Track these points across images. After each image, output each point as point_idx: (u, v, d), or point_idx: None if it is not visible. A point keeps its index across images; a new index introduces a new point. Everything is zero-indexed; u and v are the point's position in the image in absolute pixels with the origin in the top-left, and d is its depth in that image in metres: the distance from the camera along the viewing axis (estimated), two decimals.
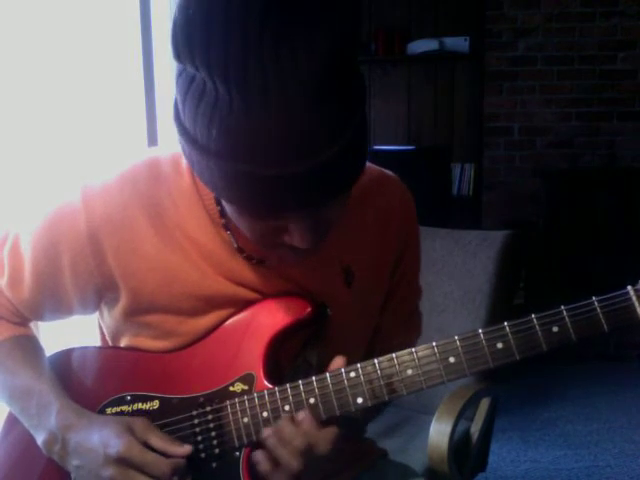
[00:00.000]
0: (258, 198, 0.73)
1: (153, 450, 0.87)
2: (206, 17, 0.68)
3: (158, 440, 0.88)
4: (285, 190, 0.72)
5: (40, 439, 0.92)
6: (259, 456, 0.87)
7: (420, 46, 4.01)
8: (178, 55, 0.72)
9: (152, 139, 2.30)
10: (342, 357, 0.88)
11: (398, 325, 1.13)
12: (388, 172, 1.07)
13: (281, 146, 0.69)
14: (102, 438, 0.87)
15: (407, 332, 1.16)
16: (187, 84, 0.73)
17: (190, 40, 0.69)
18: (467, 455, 1.84)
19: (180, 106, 0.75)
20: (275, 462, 0.86)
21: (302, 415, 0.86)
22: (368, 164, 1.06)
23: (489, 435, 1.98)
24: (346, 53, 0.71)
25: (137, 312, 0.94)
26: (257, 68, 0.66)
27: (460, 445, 1.81)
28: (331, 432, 0.86)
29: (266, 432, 0.86)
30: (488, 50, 4.06)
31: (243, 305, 0.94)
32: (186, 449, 0.88)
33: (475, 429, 1.87)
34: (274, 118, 0.68)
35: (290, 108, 0.68)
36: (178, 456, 0.88)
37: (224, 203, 0.84)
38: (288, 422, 0.86)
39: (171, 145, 0.95)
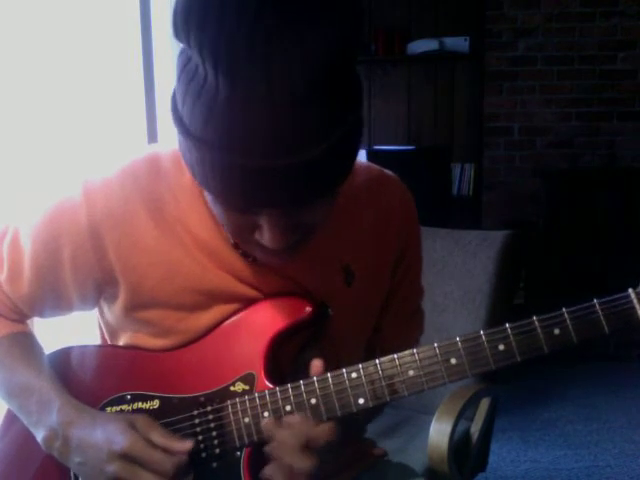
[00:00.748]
0: (228, 187, 0.73)
1: (155, 446, 0.87)
2: None
3: (160, 437, 0.88)
4: (258, 183, 0.71)
5: (40, 436, 0.92)
6: (270, 470, 0.86)
7: (420, 46, 4.01)
8: (176, 32, 0.72)
9: (152, 138, 2.30)
10: (320, 359, 0.88)
11: (400, 325, 1.13)
12: (388, 172, 1.07)
13: (257, 140, 0.68)
14: (106, 434, 0.88)
15: (409, 331, 1.16)
16: (183, 63, 0.73)
17: (187, 19, 0.69)
18: (467, 455, 1.84)
19: (175, 85, 0.76)
20: (287, 470, 0.85)
21: (290, 418, 0.86)
22: (368, 164, 1.06)
23: (489, 435, 1.98)
24: (342, 54, 0.70)
25: (137, 308, 0.94)
26: (247, 57, 0.66)
27: (460, 445, 1.80)
28: (327, 426, 0.85)
29: (268, 447, 0.86)
30: (488, 50, 4.06)
31: (244, 302, 0.94)
32: (188, 445, 0.88)
33: (475, 429, 1.87)
34: (255, 111, 0.67)
35: (274, 103, 0.67)
36: (180, 452, 0.87)
37: (203, 189, 0.83)
38: (279, 428, 0.86)
39: (171, 142, 0.96)
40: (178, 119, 0.75)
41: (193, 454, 0.89)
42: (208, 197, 0.83)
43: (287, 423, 0.86)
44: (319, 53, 0.67)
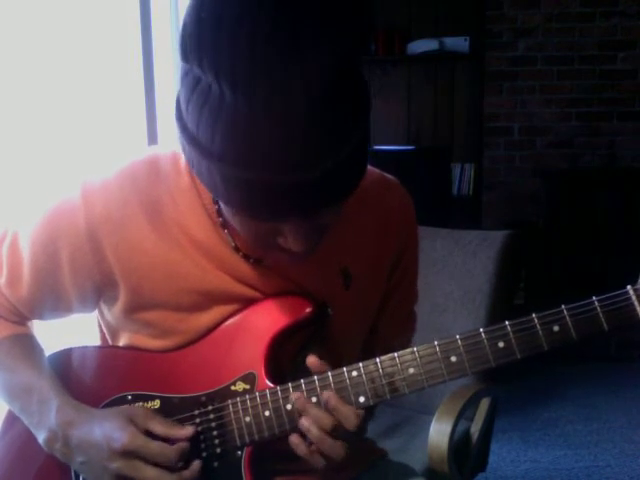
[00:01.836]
0: (255, 203, 0.74)
1: (156, 437, 0.88)
2: (217, 22, 0.69)
3: (159, 426, 0.89)
4: (283, 197, 0.73)
5: (41, 437, 0.92)
6: (296, 439, 0.86)
7: (420, 46, 4.02)
8: (186, 56, 0.72)
9: (152, 138, 2.30)
10: (313, 356, 0.89)
11: (397, 326, 1.14)
12: (389, 176, 1.08)
13: (282, 154, 0.70)
14: (104, 432, 0.88)
15: (405, 333, 1.17)
16: (193, 85, 0.73)
17: (199, 43, 0.70)
18: (467, 455, 1.84)
19: (183, 106, 0.76)
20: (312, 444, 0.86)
21: (326, 394, 0.86)
22: (369, 167, 1.06)
23: (489, 435, 1.98)
24: (353, 68, 0.73)
25: (137, 309, 0.95)
26: (264, 77, 0.67)
27: (460, 445, 1.80)
28: (356, 410, 0.86)
29: (305, 423, 0.85)
30: (488, 50, 4.06)
31: (244, 303, 0.95)
32: (188, 431, 0.89)
33: (475, 429, 1.87)
34: (277, 126, 0.68)
35: (294, 118, 0.68)
36: (181, 439, 0.88)
37: (221, 203, 0.85)
38: (314, 406, 0.86)
39: (171, 144, 0.96)
40: (194, 141, 0.75)
41: (194, 444, 0.89)
42: (225, 209, 0.85)
43: (324, 402, 0.86)
44: (333, 69, 0.69)
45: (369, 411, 0.90)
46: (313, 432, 0.85)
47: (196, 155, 0.75)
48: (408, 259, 1.08)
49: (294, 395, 0.87)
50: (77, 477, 0.95)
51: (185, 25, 0.72)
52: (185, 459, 0.88)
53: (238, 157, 0.71)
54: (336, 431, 0.85)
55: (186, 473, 0.88)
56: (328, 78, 0.69)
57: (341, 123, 0.72)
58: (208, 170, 0.75)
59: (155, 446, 0.87)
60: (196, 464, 0.89)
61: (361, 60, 0.74)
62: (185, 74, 0.75)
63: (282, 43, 0.67)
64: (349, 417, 0.85)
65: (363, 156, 0.79)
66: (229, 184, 0.74)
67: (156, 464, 0.86)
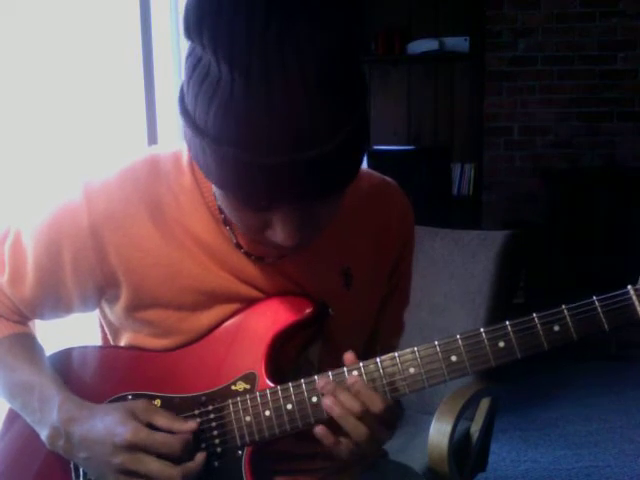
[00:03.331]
0: (247, 185, 0.73)
1: (158, 429, 0.88)
2: (217, 1, 0.69)
3: (163, 419, 0.89)
4: (275, 180, 0.72)
5: (43, 434, 0.93)
6: (322, 431, 0.85)
7: (420, 46, 4.02)
8: (189, 33, 0.72)
9: (152, 138, 2.30)
10: (352, 352, 0.88)
11: (394, 327, 1.14)
12: (389, 179, 1.08)
13: (276, 136, 0.69)
14: (107, 427, 0.88)
15: (398, 335, 1.17)
16: (194, 63, 0.73)
17: (200, 19, 0.70)
18: (467, 455, 1.84)
19: (185, 86, 0.76)
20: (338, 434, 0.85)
21: (352, 378, 0.86)
22: (369, 171, 1.07)
23: (489, 435, 1.98)
24: (349, 48, 0.72)
25: (138, 308, 0.95)
26: (261, 55, 0.67)
27: (460, 445, 1.80)
28: (382, 396, 0.86)
29: (328, 401, 0.85)
30: (488, 50, 4.06)
31: (245, 302, 0.95)
32: (192, 425, 0.89)
33: (475, 429, 1.87)
34: (273, 107, 0.68)
35: (290, 99, 0.68)
36: (184, 433, 0.88)
37: (216, 192, 0.84)
38: (343, 391, 0.85)
39: (171, 144, 0.96)
40: (191, 120, 0.75)
41: (196, 442, 0.89)
42: (220, 196, 0.83)
43: (351, 385, 0.85)
44: (329, 48, 0.69)
45: (399, 404, 0.89)
46: (336, 410, 0.84)
47: (191, 135, 0.75)
48: (406, 261, 1.09)
49: (321, 381, 0.86)
50: (77, 475, 0.95)
51: (188, 0, 0.72)
52: (189, 450, 0.88)
53: (231, 136, 0.70)
54: (363, 416, 0.84)
55: (190, 465, 0.88)
56: (324, 61, 0.69)
57: (337, 107, 0.71)
58: (202, 150, 0.74)
59: (159, 437, 0.87)
60: (200, 456, 0.89)
61: (357, 44, 0.73)
62: (189, 54, 0.75)
63: (278, 26, 0.67)
64: (374, 400, 0.84)
65: (359, 145, 0.77)
66: (221, 165, 0.73)
67: (160, 456, 0.86)
